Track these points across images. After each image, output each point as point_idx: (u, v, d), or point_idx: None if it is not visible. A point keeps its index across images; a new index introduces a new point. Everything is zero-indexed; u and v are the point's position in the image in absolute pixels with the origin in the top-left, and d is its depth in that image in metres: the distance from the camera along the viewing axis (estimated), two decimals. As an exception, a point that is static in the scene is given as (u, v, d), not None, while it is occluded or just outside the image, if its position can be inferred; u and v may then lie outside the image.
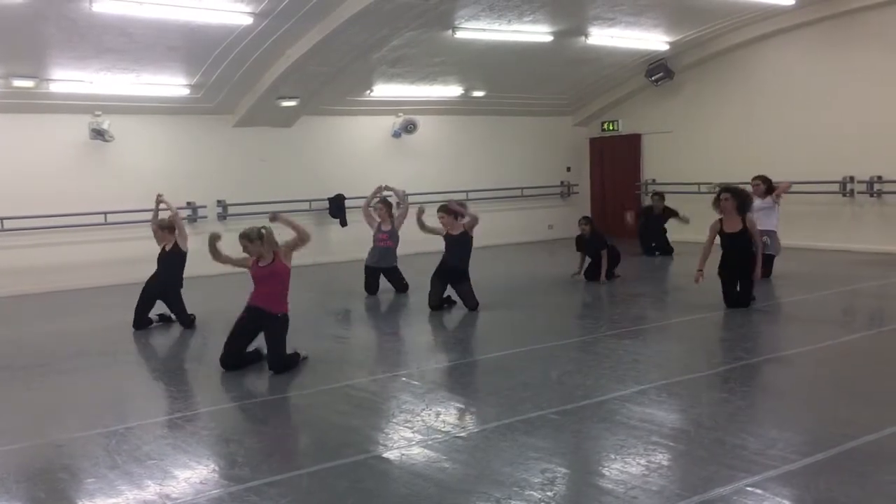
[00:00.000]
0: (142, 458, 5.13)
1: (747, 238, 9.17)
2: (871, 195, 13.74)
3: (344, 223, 15.25)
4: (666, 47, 15.37)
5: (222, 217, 14.26)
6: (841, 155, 13.96)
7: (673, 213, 14.52)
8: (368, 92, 14.85)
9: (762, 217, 10.83)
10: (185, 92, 13.00)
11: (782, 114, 14.89)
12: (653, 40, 15.01)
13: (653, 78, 16.30)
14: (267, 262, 7.44)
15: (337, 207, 15.23)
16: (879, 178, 13.64)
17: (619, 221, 17.87)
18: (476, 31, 12.83)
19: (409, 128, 15.86)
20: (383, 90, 14.88)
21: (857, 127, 13.76)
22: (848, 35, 13.83)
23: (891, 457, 4.72)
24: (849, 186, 14.03)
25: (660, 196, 14.89)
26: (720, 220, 9.30)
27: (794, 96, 14.70)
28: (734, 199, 9.16)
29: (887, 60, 13.36)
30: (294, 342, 7.54)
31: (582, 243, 11.70)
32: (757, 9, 13.78)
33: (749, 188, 10.53)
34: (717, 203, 9.31)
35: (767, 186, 11.27)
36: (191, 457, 5.16)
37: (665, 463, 4.77)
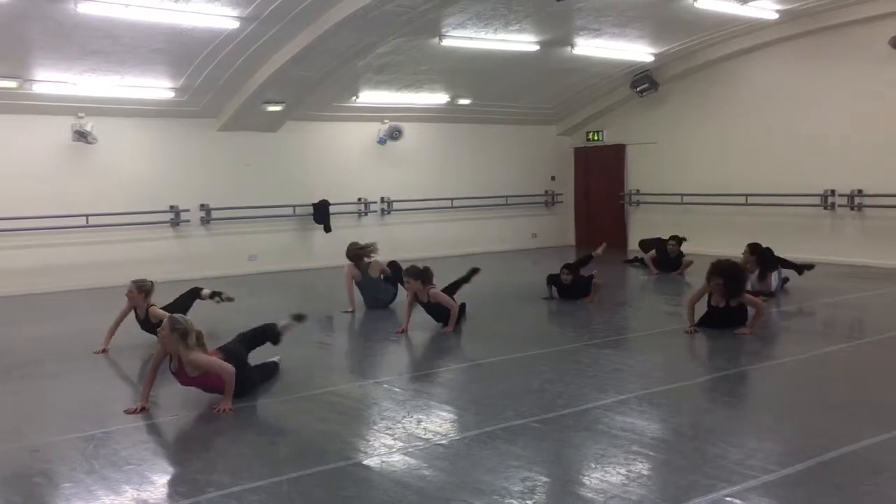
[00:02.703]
0: (120, 462, 5.08)
1: (734, 312, 8.56)
2: (852, 208, 13.88)
3: (328, 229, 15.22)
4: (651, 59, 15.48)
5: (206, 221, 14.20)
6: (822, 168, 14.11)
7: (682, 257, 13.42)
8: (354, 98, 14.86)
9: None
10: (170, 95, 12.95)
11: (765, 126, 15.03)
12: (638, 51, 15.11)
13: (638, 89, 16.40)
14: (194, 371, 6.19)
15: (321, 213, 15.20)
16: (860, 191, 13.79)
17: (603, 232, 17.98)
18: (463, 39, 12.87)
19: (395, 134, 15.87)
20: (369, 96, 14.89)
21: (838, 141, 13.92)
22: (830, 50, 13.99)
23: (868, 468, 4.75)
24: (829, 200, 14.17)
25: (677, 240, 13.50)
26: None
27: (777, 109, 14.85)
28: (725, 287, 8.45)
29: (868, 75, 13.53)
30: (276, 348, 7.49)
31: (555, 283, 10.94)
32: (740, 22, 13.91)
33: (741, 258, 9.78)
34: (709, 280, 8.57)
35: (760, 259, 10.38)
36: (169, 462, 5.12)
37: (645, 472, 4.78)
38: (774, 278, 10.79)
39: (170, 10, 10.05)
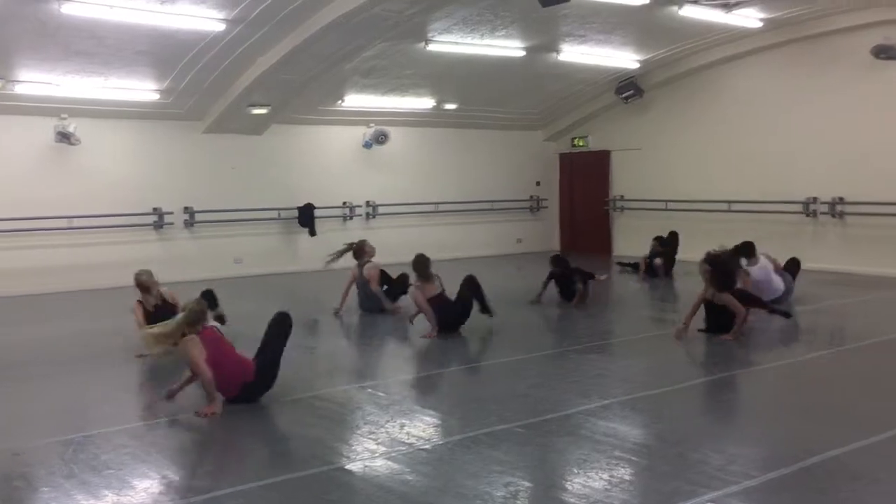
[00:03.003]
0: (99, 467, 5.04)
1: (723, 311, 8.53)
2: (833, 216, 14.00)
3: (313, 233, 15.19)
4: (636, 65, 15.56)
5: (189, 224, 14.13)
6: (805, 176, 14.23)
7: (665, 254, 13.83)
8: (340, 102, 14.84)
9: (765, 286, 10.22)
10: (155, 97, 12.88)
11: (749, 134, 15.14)
12: (623, 58, 15.18)
13: (622, 95, 16.48)
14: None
15: (306, 217, 15.17)
16: (841, 199, 13.92)
17: (587, 238, 18.07)
18: (449, 44, 12.89)
19: (381, 139, 15.86)
20: (355, 100, 14.88)
21: (820, 149, 14.04)
22: (813, 59, 14.12)
23: (850, 473, 4.79)
24: (811, 207, 14.29)
25: (659, 242, 14.00)
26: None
27: (760, 117, 14.96)
28: (712, 275, 8.49)
29: (850, 84, 13.66)
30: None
31: (553, 276, 11.16)
32: (724, 31, 14.01)
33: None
34: (700, 267, 8.70)
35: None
36: (150, 467, 5.08)
37: (627, 477, 4.79)
38: (770, 286, 10.36)
39: (155, 11, 10.01)
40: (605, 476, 4.76)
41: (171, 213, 13.92)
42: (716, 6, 12.43)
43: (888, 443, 5.29)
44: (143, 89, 12.68)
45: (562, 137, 18.70)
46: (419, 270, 9.06)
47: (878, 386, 6.98)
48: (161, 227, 13.86)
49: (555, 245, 18.87)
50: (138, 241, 13.59)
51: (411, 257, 9.39)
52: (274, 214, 14.97)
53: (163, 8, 9.96)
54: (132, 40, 10.92)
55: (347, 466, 5.05)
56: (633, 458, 5.09)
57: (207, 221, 14.27)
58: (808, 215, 14.35)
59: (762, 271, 10.36)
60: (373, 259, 10.69)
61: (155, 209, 13.77)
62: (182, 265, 13.68)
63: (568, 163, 18.80)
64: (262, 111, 13.70)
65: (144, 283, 8.47)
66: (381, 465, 5.05)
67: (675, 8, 12.22)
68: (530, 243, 18.40)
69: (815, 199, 14.25)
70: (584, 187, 18.42)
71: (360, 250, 10.70)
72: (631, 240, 16.10)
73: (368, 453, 5.26)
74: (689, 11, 12.37)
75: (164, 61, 11.84)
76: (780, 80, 14.70)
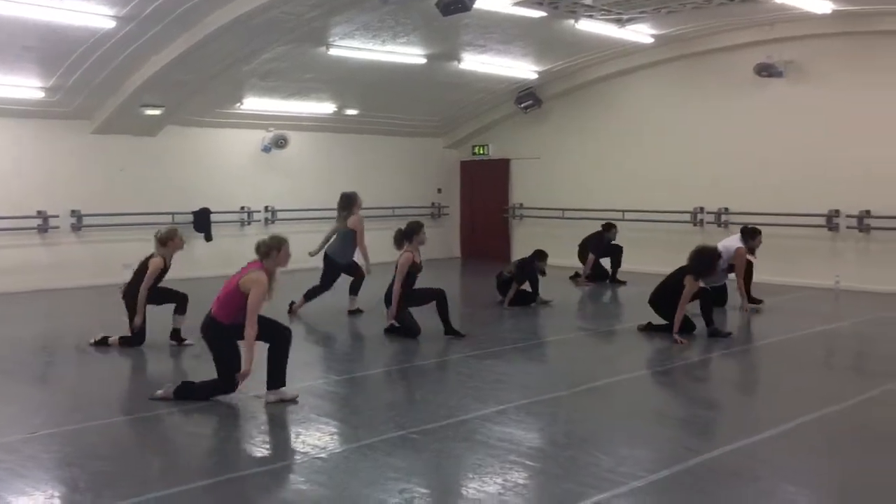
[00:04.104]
0: (-28, 484, 4.77)
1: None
2: (719, 226, 14.64)
3: (209, 238, 14.82)
4: (535, 76, 15.88)
5: (76, 228, 13.54)
6: (693, 186, 14.85)
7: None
8: (238, 105, 14.54)
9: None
10: (40, 95, 12.28)
11: (641, 145, 15.67)
12: (522, 68, 15.47)
13: (522, 105, 16.79)
14: None
15: (202, 221, 14.78)
16: (726, 209, 14.58)
17: (486, 245, 18.28)
18: (350, 49, 12.83)
19: (280, 143, 15.62)
20: (254, 103, 14.60)
21: (707, 160, 14.68)
22: (700, 74, 14.78)
23: (729, 472, 5.01)
24: (699, 216, 14.92)
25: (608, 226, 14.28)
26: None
27: (652, 129, 15.52)
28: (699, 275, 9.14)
29: (734, 99, 14.35)
30: (156, 358, 7.20)
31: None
32: (618, 45, 14.47)
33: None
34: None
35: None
36: (27, 482, 4.83)
37: (521, 481, 4.87)
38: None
39: (41, 6, 9.56)
40: (499, 480, 4.82)
41: (57, 216, 13.28)
42: (610, 21, 12.83)
43: (767, 442, 5.56)
44: (27, 86, 12.06)
45: (463, 145, 18.88)
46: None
47: (761, 387, 7.35)
48: (45, 230, 13.21)
49: (455, 252, 19.03)
50: (20, 245, 12.91)
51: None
52: (168, 219, 14.46)
53: (49, 2, 9.52)
54: (16, 34, 10.39)
55: (240, 476, 4.93)
56: (526, 461, 5.17)
57: (96, 225, 13.70)
58: (695, 224, 14.97)
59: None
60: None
61: (39, 212, 13.11)
62: (69, 270, 13.11)
63: (469, 170, 18.99)
64: (156, 112, 13.27)
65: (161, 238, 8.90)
66: (275, 474, 4.96)
67: (571, 21, 12.54)
68: (431, 250, 18.39)
69: (702, 209, 14.89)
70: (485, 195, 18.64)
71: (353, 201, 11.35)
72: (530, 247, 16.31)
73: (262, 463, 5.16)
74: (584, 25, 12.72)
75: (52, 58, 11.31)
76: (670, 94, 15.31)
